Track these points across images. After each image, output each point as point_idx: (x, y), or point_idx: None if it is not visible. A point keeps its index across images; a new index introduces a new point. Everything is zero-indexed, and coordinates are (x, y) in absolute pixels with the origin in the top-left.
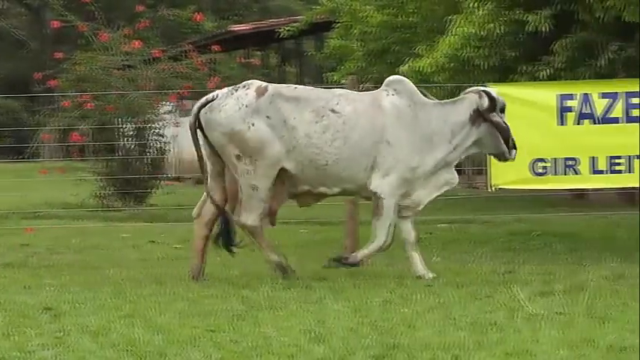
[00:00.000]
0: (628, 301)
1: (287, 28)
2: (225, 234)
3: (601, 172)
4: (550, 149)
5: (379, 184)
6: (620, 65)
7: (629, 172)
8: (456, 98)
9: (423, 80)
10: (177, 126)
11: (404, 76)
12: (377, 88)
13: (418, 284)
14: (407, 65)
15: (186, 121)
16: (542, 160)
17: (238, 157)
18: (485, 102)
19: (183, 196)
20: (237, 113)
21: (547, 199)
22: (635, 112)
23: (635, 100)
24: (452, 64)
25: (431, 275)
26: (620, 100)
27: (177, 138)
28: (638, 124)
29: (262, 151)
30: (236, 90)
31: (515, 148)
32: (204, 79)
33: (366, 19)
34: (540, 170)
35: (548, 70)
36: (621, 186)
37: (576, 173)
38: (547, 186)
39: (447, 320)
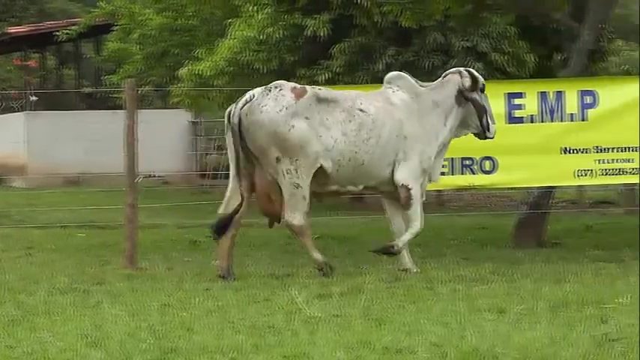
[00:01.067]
0: (404, 304)
1: (65, 31)
2: (221, 226)
3: None
4: None
5: (405, 176)
6: (397, 69)
7: None
8: (441, 81)
9: (202, 84)
10: None
11: (183, 78)
12: (157, 91)
13: (197, 288)
14: (186, 68)
15: None
16: None
17: (278, 159)
18: (467, 81)
19: None
20: (278, 115)
21: (326, 202)
22: None
23: None
24: (231, 68)
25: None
26: None
27: None
28: None
29: (303, 149)
30: (270, 91)
31: (494, 124)
32: None
33: (145, 22)
34: None
35: (326, 74)
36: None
37: None
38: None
39: (225, 323)
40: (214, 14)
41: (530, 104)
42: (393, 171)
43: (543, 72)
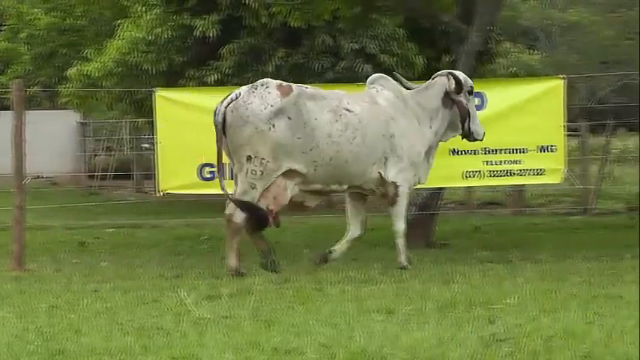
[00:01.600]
0: (293, 305)
1: None
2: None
3: None
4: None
5: (395, 174)
6: (286, 71)
7: None
8: (428, 82)
9: (91, 84)
10: None
11: (72, 79)
12: (45, 92)
13: (85, 289)
14: (75, 69)
15: None
16: (210, 165)
17: (249, 158)
18: (452, 84)
19: None
20: (263, 113)
21: (215, 203)
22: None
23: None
24: (120, 69)
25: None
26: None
27: None
28: None
29: (275, 153)
30: (256, 88)
31: (479, 129)
32: None
33: (33, 22)
34: (208, 175)
35: (216, 75)
36: None
37: None
38: (215, 190)
39: (113, 325)
40: (103, 14)
41: None
42: (378, 170)
43: (432, 74)
